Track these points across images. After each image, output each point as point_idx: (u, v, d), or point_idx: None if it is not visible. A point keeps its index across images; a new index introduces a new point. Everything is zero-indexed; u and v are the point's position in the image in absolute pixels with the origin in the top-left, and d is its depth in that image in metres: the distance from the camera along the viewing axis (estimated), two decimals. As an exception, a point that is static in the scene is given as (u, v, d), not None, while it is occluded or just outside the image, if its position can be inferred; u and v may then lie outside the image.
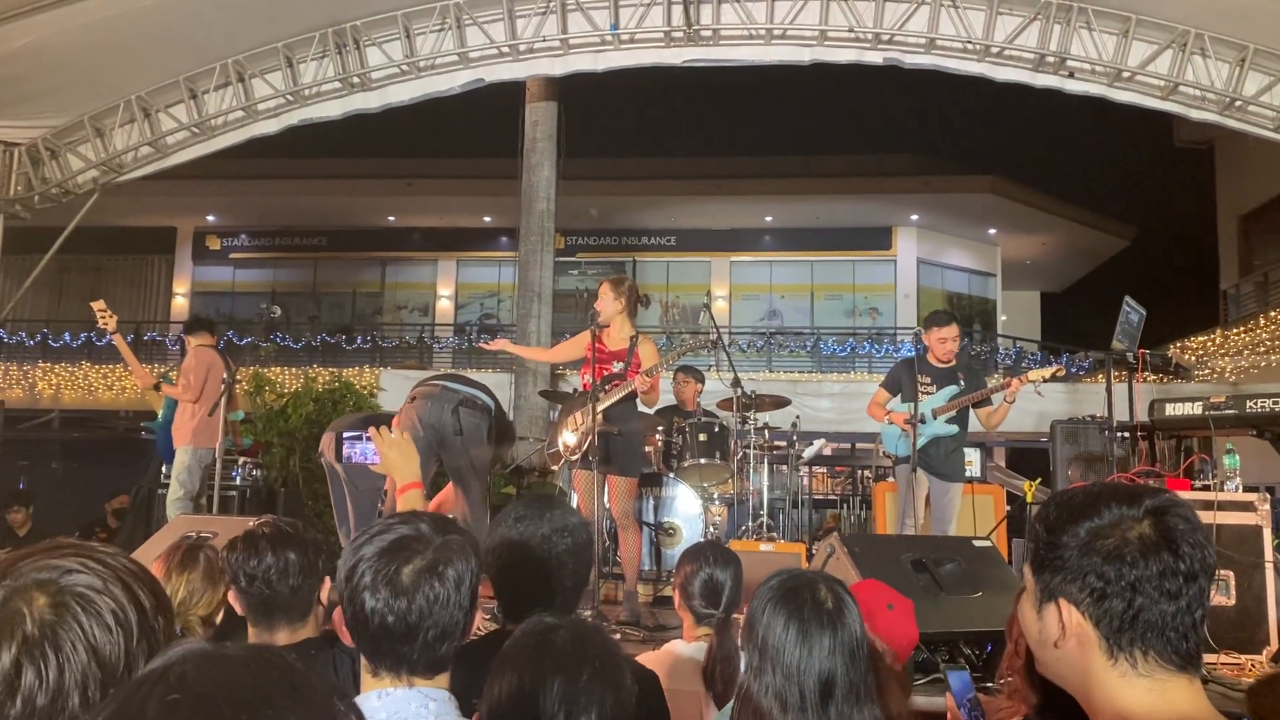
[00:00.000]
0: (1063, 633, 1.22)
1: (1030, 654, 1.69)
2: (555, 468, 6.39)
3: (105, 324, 6.98)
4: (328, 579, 2.45)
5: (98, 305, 7.02)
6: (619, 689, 1.45)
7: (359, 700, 1.52)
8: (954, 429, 5.85)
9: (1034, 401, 12.82)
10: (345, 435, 2.44)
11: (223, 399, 6.23)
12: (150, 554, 3.51)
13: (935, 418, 5.82)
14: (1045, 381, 5.87)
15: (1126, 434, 6.18)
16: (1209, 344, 16.12)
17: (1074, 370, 17.68)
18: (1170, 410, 5.58)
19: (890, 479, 7.02)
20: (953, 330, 6.02)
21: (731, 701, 2.02)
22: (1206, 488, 4.74)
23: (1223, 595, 4.48)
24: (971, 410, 5.94)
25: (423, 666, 1.52)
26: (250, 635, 2.37)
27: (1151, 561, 1.18)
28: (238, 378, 6.93)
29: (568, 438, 5.52)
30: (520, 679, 1.43)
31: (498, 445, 5.45)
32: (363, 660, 1.56)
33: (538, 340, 11.05)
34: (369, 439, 2.65)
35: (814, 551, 6.21)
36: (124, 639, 1.06)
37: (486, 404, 5.12)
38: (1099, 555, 1.20)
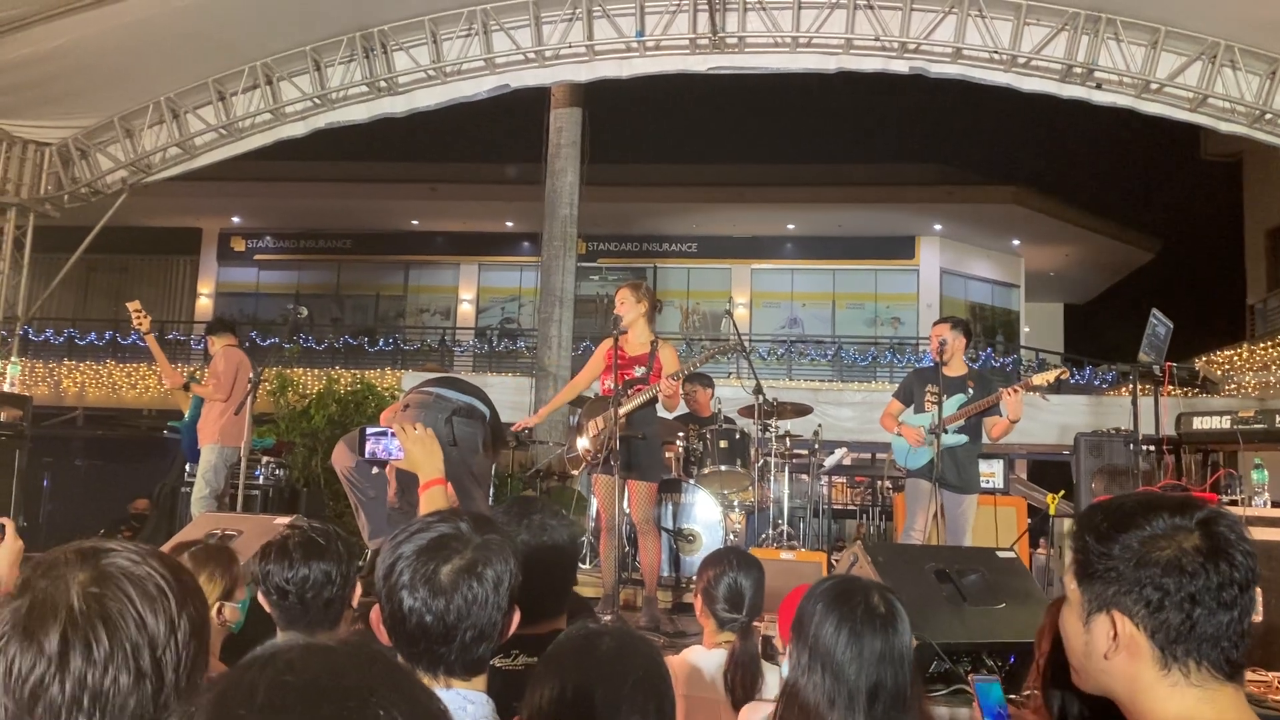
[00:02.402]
0: (1115, 644, 1.21)
1: (1046, 671, 1.68)
2: (575, 472, 6.39)
3: (140, 324, 7.05)
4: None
5: (133, 305, 7.08)
6: (662, 699, 1.45)
7: None
8: (963, 439, 5.78)
9: (1057, 414, 12.77)
10: (369, 432, 2.44)
11: (249, 398, 6.29)
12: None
13: (944, 427, 5.78)
14: (1049, 385, 5.77)
15: (1151, 447, 6.13)
16: (1235, 358, 15.97)
17: (1097, 383, 17.57)
18: (1198, 424, 5.54)
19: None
20: (938, 330, 5.97)
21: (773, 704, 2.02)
22: (1234, 503, 4.69)
23: (1249, 612, 4.43)
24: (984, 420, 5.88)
25: (460, 668, 1.51)
26: (279, 639, 2.36)
27: (1211, 573, 1.18)
28: (262, 377, 6.99)
29: (587, 442, 5.52)
30: (563, 685, 1.43)
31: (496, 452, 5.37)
32: (399, 660, 1.55)
33: (559, 345, 11.11)
34: (394, 435, 2.63)
35: (835, 561, 6.19)
36: (167, 607, 1.07)
37: (481, 412, 5.03)
38: (1157, 567, 1.19)
